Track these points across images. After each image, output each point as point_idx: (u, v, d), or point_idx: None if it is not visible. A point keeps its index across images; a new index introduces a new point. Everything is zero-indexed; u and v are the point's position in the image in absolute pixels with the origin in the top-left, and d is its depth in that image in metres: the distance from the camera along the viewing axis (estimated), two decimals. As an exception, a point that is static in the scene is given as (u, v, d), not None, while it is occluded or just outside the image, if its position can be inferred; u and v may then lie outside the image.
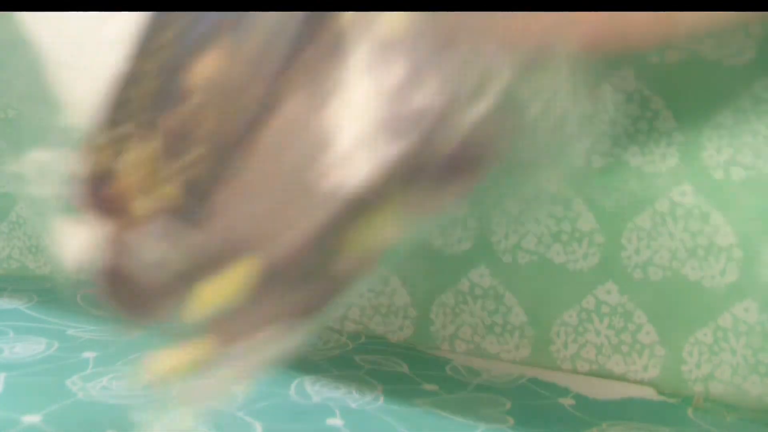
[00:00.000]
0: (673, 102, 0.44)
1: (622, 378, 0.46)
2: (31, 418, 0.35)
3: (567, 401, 0.42)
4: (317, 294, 0.22)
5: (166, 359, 0.23)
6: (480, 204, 0.49)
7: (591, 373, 0.47)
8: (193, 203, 0.21)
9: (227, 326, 0.23)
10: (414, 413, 0.39)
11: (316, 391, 0.41)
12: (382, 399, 0.40)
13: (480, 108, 0.21)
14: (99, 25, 0.22)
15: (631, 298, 0.46)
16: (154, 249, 0.21)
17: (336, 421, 0.37)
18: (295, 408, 0.38)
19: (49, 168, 0.22)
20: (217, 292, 0.22)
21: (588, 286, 0.47)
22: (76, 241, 0.22)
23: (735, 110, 0.43)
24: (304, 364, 0.45)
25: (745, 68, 0.43)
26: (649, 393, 0.44)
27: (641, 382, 0.45)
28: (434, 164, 0.21)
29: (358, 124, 0.20)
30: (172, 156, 0.21)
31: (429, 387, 0.43)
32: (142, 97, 0.21)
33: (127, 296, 0.23)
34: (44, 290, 0.57)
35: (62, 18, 0.23)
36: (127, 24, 0.22)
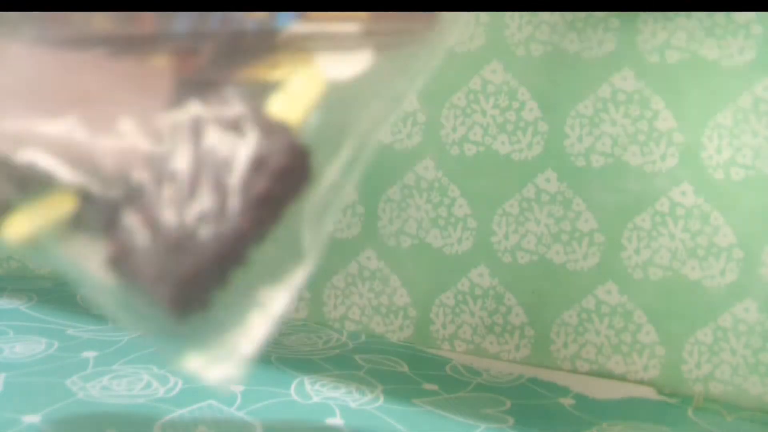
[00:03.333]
0: (673, 102, 0.44)
1: (622, 378, 0.46)
2: (31, 418, 0.35)
3: (567, 401, 0.42)
4: None
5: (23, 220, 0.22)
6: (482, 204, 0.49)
7: (591, 373, 0.47)
8: None
9: None
10: (414, 413, 0.39)
11: (316, 391, 0.41)
12: (382, 399, 0.40)
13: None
14: None
15: (631, 298, 0.46)
16: None
17: (336, 421, 0.37)
18: (295, 408, 0.38)
19: None
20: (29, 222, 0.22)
21: (588, 286, 0.47)
22: None
23: (735, 110, 0.43)
24: (304, 364, 0.45)
25: (745, 68, 0.43)
26: (649, 393, 0.44)
27: (641, 382, 0.45)
28: None
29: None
30: None
31: (429, 387, 0.43)
32: None
33: None
34: (44, 290, 0.57)
35: None
36: None
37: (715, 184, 0.43)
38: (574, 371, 0.47)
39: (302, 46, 0.22)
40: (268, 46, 0.22)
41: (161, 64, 0.22)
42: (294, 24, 0.22)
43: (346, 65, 0.22)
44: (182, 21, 0.21)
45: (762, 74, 0.42)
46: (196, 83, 0.21)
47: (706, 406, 0.43)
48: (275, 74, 0.22)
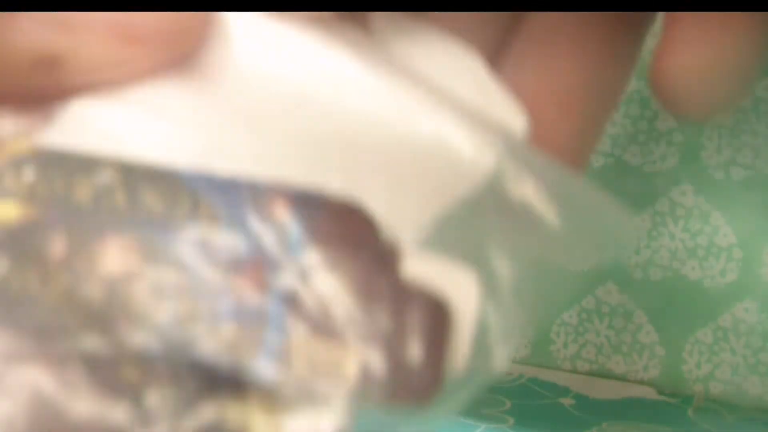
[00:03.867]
0: (673, 102, 0.44)
1: (622, 378, 0.46)
2: (32, 418, 0.35)
3: (567, 401, 0.42)
4: None
5: None
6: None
7: (591, 373, 0.47)
8: None
9: None
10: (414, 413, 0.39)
11: (316, 390, 0.41)
12: (382, 399, 0.40)
13: None
14: None
15: (631, 298, 0.46)
16: None
17: (336, 421, 0.37)
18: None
19: None
20: None
21: (588, 286, 0.47)
22: None
23: (735, 110, 0.43)
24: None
25: (745, 68, 0.43)
26: (649, 393, 0.44)
27: (641, 382, 0.45)
28: None
29: None
30: None
31: (429, 387, 0.43)
32: None
33: None
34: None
35: None
36: None
37: (715, 184, 0.43)
38: (574, 371, 0.47)
39: (271, 395, 0.18)
40: (235, 388, 0.18)
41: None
42: (271, 373, 0.18)
43: (315, 422, 0.19)
44: (155, 341, 0.18)
45: (762, 74, 0.42)
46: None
47: (706, 406, 0.43)
48: (233, 416, 0.18)
